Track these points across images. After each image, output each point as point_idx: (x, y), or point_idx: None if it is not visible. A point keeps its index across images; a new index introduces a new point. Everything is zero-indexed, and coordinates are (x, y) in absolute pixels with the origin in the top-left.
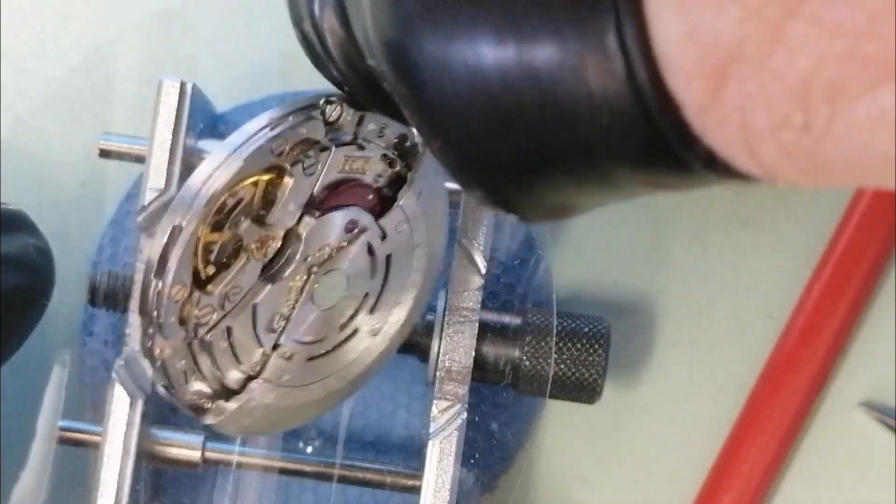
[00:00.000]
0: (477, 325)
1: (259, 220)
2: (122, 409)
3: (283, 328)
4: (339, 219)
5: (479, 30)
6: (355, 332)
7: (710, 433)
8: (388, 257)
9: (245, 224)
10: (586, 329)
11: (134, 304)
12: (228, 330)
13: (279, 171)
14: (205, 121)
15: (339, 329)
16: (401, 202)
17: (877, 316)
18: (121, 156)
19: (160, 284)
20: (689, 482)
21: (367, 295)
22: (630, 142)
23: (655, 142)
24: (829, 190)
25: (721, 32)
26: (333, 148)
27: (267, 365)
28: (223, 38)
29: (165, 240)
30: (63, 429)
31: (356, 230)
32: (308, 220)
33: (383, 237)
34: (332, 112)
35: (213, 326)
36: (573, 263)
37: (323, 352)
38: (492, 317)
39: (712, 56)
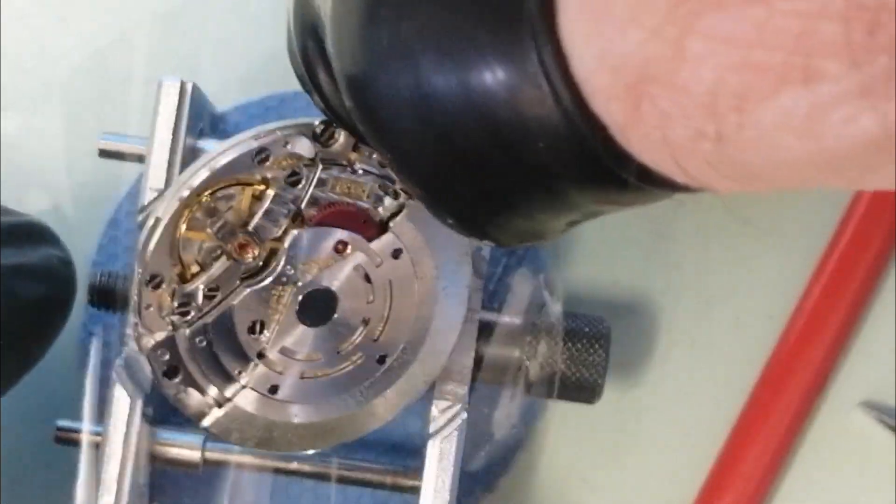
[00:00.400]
0: (477, 325)
1: (242, 226)
2: (122, 410)
3: (268, 338)
4: (326, 237)
5: (422, 66)
6: (360, 358)
7: (710, 433)
8: (390, 283)
9: (225, 228)
10: (587, 329)
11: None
12: (206, 328)
13: (266, 183)
14: (205, 121)
15: (336, 352)
16: (392, 226)
17: (877, 316)
18: (121, 156)
19: (139, 272)
20: (689, 482)
21: (366, 321)
22: (572, 164)
23: (593, 162)
24: (829, 190)
25: (627, 54)
26: (319, 166)
27: (252, 373)
28: (223, 38)
29: (147, 231)
30: (63, 429)
31: (345, 251)
32: (293, 234)
33: (379, 263)
34: (325, 133)
35: (192, 323)
36: (573, 263)
37: (320, 373)
38: (492, 317)
39: (623, 77)
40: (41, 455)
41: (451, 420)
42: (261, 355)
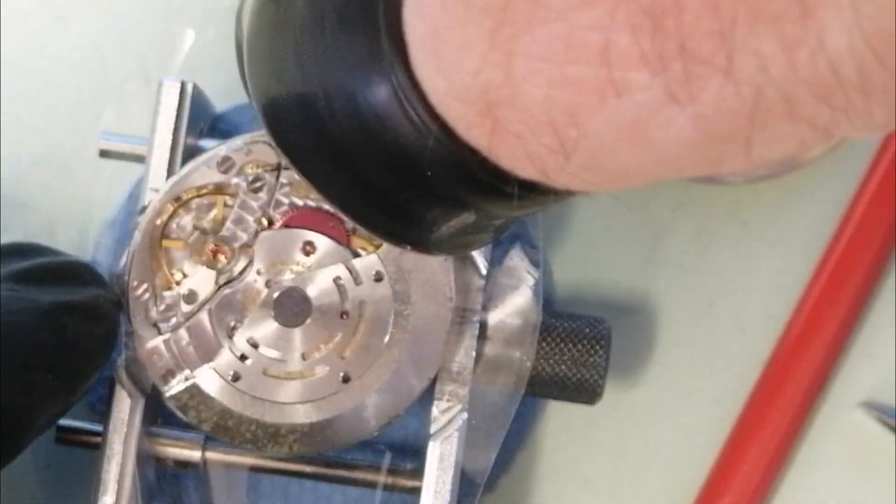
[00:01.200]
0: (478, 325)
1: (214, 232)
2: (122, 410)
3: (238, 325)
4: (294, 238)
5: (317, 97)
6: (321, 368)
7: (710, 433)
8: (361, 304)
9: (195, 235)
10: (587, 330)
11: (131, 276)
12: (189, 330)
13: (233, 190)
14: (205, 120)
15: (301, 355)
16: (378, 253)
17: (877, 316)
18: (121, 156)
19: (127, 282)
20: (689, 482)
21: (337, 336)
22: (461, 184)
23: (477, 181)
24: (828, 190)
25: (468, 84)
26: (281, 170)
27: (217, 355)
28: (223, 38)
29: (132, 244)
30: (63, 429)
31: (313, 253)
32: (262, 235)
33: (357, 281)
34: None
35: (176, 328)
36: (573, 263)
37: (283, 375)
38: (492, 317)
39: (473, 105)
40: (40, 455)
41: (451, 421)
42: (229, 338)
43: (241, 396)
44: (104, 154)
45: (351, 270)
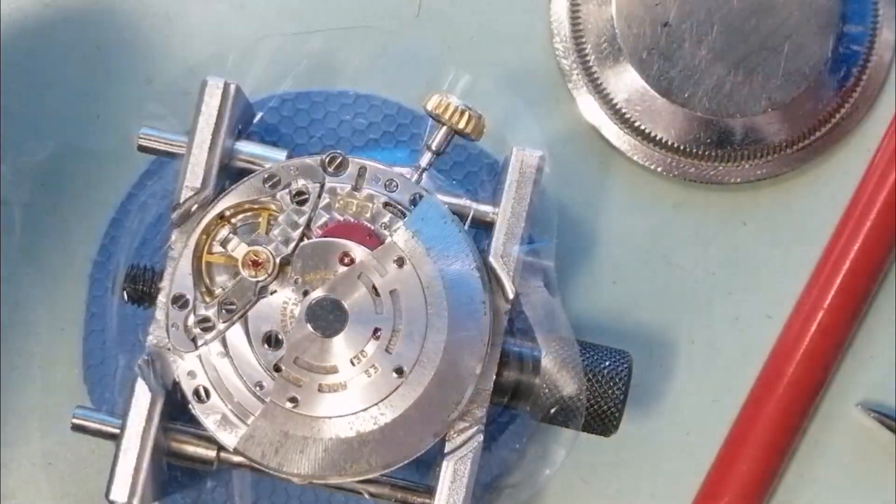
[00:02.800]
0: (500, 349)
1: (255, 244)
2: (142, 404)
3: (281, 345)
4: (332, 249)
5: None
6: (373, 368)
7: (709, 432)
8: (393, 294)
9: (239, 247)
10: (607, 363)
11: (162, 297)
12: (225, 344)
13: (278, 205)
14: (244, 122)
15: (350, 362)
16: (392, 237)
17: (876, 316)
18: (157, 151)
19: (166, 294)
20: (689, 481)
21: (377, 331)
22: None
23: None
24: (828, 190)
25: None
26: (326, 186)
27: (271, 385)
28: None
29: (172, 255)
30: (79, 415)
31: (350, 261)
32: (302, 247)
33: (381, 272)
34: (332, 164)
35: (214, 339)
36: (573, 263)
37: (338, 385)
38: (514, 343)
39: None
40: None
41: (467, 441)
42: (277, 369)
43: (303, 420)
44: (143, 149)
45: (372, 263)
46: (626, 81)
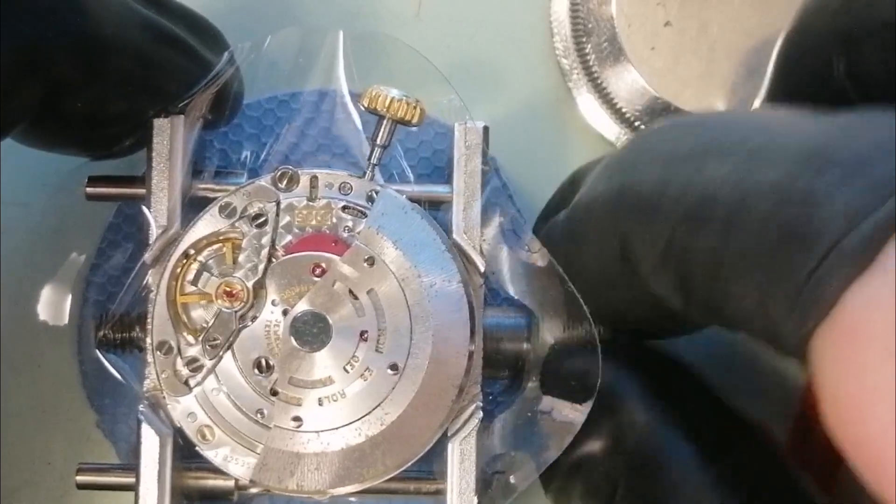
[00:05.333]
0: (482, 323)
1: (224, 275)
2: (152, 448)
3: (273, 369)
4: (302, 263)
5: None
6: (368, 371)
7: None
8: (371, 293)
9: (210, 280)
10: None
11: (149, 340)
12: (217, 379)
13: (238, 232)
14: (199, 151)
15: (343, 370)
16: (357, 239)
17: None
18: (109, 197)
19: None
20: None
21: (363, 334)
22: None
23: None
24: None
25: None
26: (281, 203)
27: (271, 411)
28: None
29: (151, 309)
30: (89, 470)
31: (322, 272)
32: (272, 268)
33: (354, 274)
34: (283, 179)
35: (206, 377)
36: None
37: (337, 396)
38: (496, 314)
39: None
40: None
41: (468, 420)
42: (274, 392)
43: (311, 437)
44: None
45: (343, 269)
46: (626, 81)
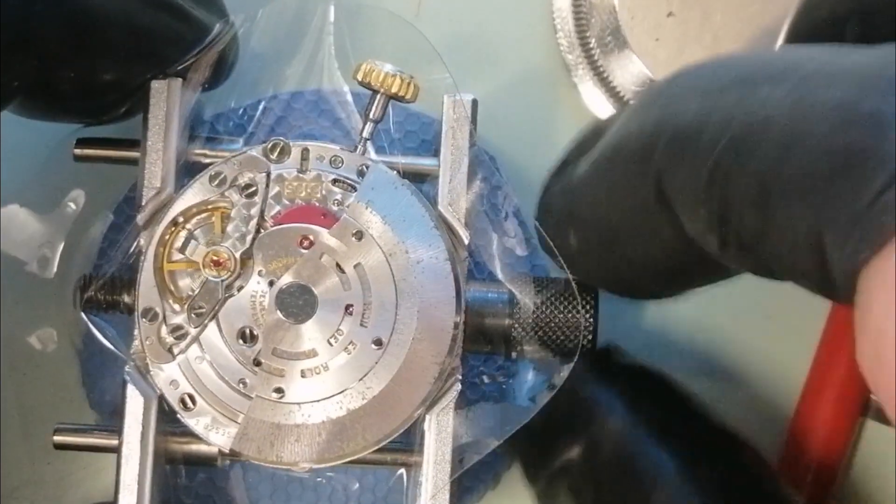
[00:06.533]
0: (465, 297)
1: (212, 244)
2: (136, 410)
3: (257, 339)
4: (290, 234)
5: None
6: (352, 344)
7: None
8: (357, 268)
9: (197, 249)
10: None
11: (139, 302)
12: (201, 348)
13: (228, 201)
14: (195, 116)
15: (327, 343)
16: (346, 212)
17: None
18: (96, 158)
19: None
20: None
21: (349, 307)
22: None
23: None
24: None
25: None
26: (272, 174)
27: (254, 380)
28: None
29: (139, 277)
30: (68, 430)
31: (309, 244)
32: (260, 239)
33: (342, 248)
34: (275, 150)
35: (189, 345)
36: None
37: (319, 369)
38: (480, 288)
39: None
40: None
41: (446, 392)
42: (257, 363)
43: (290, 409)
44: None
45: (331, 242)
46: (631, 72)
